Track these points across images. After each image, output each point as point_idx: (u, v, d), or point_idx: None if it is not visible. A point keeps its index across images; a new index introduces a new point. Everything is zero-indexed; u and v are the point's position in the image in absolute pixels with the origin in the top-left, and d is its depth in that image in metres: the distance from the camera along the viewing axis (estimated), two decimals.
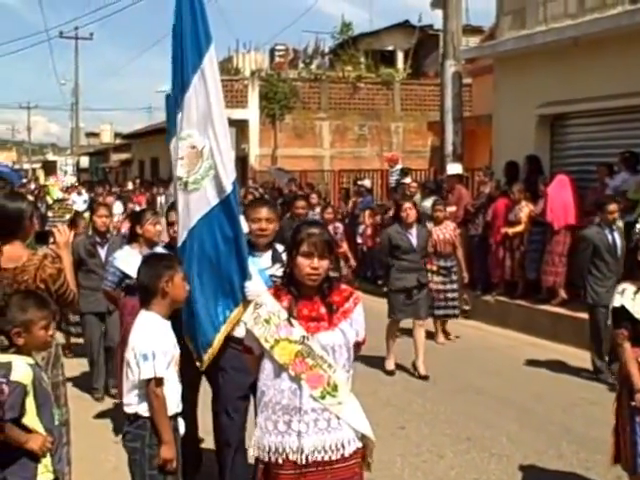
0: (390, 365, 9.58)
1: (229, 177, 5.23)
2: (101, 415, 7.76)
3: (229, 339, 5.23)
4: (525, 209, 12.22)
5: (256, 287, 5.11)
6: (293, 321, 3.79)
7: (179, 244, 5.38)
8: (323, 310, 3.84)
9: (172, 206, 6.28)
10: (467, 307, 12.94)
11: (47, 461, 3.89)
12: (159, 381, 4.17)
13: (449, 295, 11.13)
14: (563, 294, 11.65)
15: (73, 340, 9.88)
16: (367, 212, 16.46)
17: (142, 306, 4.39)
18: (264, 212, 5.43)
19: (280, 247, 5.54)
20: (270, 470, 3.80)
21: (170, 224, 6.51)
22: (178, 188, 5.34)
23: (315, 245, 3.79)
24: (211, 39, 5.25)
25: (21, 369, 3.79)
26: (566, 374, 9.50)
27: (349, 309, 3.88)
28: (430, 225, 10.96)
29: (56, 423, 4.08)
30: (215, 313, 5.22)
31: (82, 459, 5.55)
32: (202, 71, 5.20)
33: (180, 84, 5.28)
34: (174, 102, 5.39)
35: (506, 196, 12.72)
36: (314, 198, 15.78)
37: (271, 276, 5.28)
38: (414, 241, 9.42)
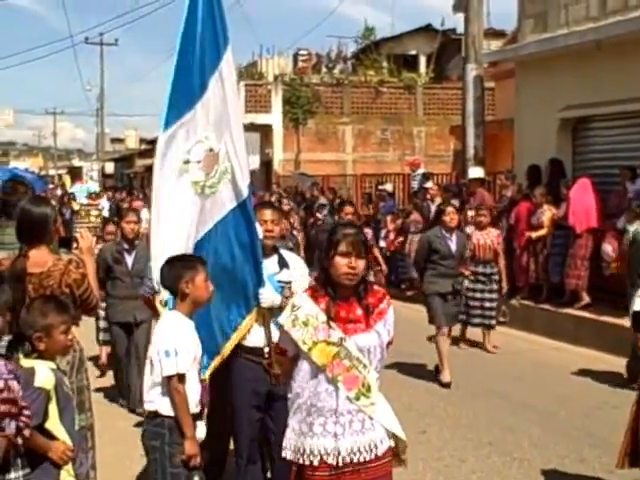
0: (446, 377, 9.11)
1: (245, 180, 5.13)
2: (128, 422, 7.78)
3: (239, 348, 5.13)
4: (547, 213, 12.18)
5: (270, 294, 5.08)
6: (332, 324, 3.81)
7: (193, 249, 5.11)
8: (359, 312, 3.86)
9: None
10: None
11: (69, 466, 3.93)
12: (181, 378, 4.20)
13: (486, 304, 10.83)
14: (586, 297, 11.60)
15: None
16: (389, 217, 16.48)
17: None
18: (268, 214, 5.37)
19: (285, 252, 5.50)
20: (303, 472, 3.82)
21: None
22: (195, 192, 5.15)
23: (353, 244, 3.81)
24: (228, 40, 5.14)
25: (44, 374, 3.81)
26: (589, 378, 9.44)
27: (384, 310, 3.91)
28: (471, 229, 10.91)
29: (76, 428, 4.12)
30: (227, 320, 5.11)
31: (106, 464, 5.58)
32: (220, 72, 5.11)
33: (198, 84, 5.13)
34: (182, 101, 5.16)
35: (528, 200, 12.70)
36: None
37: (279, 282, 5.20)
38: (453, 247, 9.27)
